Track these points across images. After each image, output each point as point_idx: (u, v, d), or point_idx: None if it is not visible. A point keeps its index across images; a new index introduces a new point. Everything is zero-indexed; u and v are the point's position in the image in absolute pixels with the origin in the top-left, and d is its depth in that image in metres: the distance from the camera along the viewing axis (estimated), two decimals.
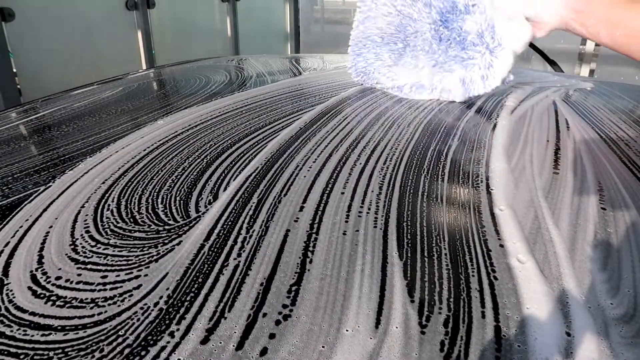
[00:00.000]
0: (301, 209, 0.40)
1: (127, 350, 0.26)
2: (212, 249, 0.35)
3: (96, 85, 0.90)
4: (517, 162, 0.49)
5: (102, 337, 0.27)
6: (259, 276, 0.32)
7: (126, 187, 0.45)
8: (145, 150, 0.54)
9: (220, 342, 0.26)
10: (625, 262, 0.33)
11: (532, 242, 0.35)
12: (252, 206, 0.41)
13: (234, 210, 0.40)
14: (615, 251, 0.34)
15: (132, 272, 0.32)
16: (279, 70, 1.02)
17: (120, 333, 0.27)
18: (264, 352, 0.26)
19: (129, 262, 0.33)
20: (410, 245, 0.35)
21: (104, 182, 0.46)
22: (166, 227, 0.38)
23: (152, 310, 0.29)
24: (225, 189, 0.44)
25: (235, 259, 0.33)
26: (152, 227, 0.38)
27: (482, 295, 0.30)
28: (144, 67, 2.44)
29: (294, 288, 0.30)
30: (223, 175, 0.47)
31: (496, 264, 0.32)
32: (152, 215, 0.40)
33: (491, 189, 0.43)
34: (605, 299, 0.29)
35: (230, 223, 0.38)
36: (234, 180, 0.46)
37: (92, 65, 2.12)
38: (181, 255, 0.34)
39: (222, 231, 0.37)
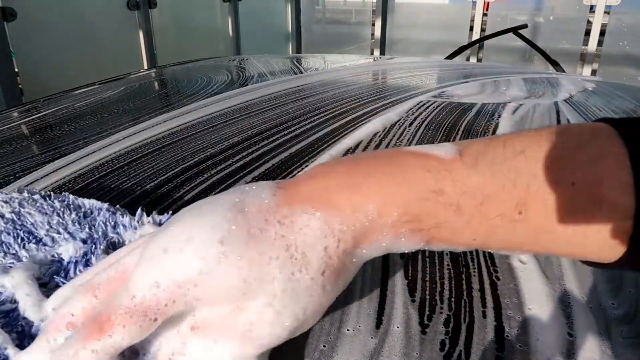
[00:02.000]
0: None
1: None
2: None
3: (98, 85, 0.90)
4: None
5: None
6: None
7: (127, 186, 0.45)
8: (146, 149, 0.54)
9: None
10: None
11: None
12: None
13: None
14: None
15: None
16: (281, 70, 1.02)
17: None
18: None
19: None
20: None
21: (105, 182, 0.46)
22: None
23: None
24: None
25: None
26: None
27: (484, 295, 0.29)
28: (146, 66, 2.44)
29: None
30: (224, 174, 0.47)
31: (498, 264, 0.32)
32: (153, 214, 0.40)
33: None
34: (606, 299, 0.29)
35: None
36: (235, 181, 0.46)
37: (93, 64, 2.13)
38: None
39: None
